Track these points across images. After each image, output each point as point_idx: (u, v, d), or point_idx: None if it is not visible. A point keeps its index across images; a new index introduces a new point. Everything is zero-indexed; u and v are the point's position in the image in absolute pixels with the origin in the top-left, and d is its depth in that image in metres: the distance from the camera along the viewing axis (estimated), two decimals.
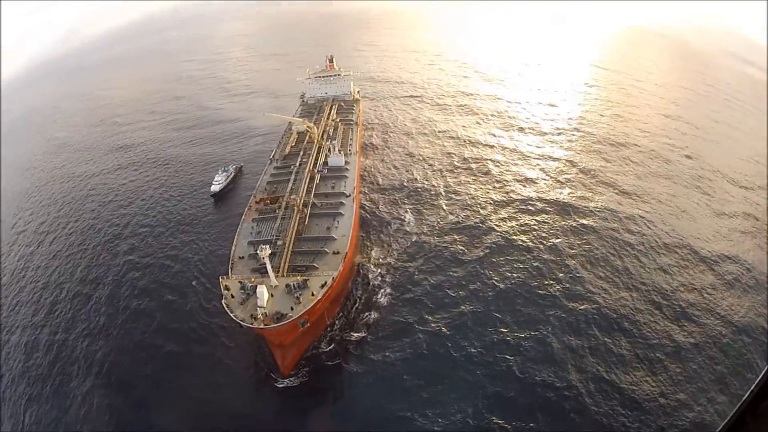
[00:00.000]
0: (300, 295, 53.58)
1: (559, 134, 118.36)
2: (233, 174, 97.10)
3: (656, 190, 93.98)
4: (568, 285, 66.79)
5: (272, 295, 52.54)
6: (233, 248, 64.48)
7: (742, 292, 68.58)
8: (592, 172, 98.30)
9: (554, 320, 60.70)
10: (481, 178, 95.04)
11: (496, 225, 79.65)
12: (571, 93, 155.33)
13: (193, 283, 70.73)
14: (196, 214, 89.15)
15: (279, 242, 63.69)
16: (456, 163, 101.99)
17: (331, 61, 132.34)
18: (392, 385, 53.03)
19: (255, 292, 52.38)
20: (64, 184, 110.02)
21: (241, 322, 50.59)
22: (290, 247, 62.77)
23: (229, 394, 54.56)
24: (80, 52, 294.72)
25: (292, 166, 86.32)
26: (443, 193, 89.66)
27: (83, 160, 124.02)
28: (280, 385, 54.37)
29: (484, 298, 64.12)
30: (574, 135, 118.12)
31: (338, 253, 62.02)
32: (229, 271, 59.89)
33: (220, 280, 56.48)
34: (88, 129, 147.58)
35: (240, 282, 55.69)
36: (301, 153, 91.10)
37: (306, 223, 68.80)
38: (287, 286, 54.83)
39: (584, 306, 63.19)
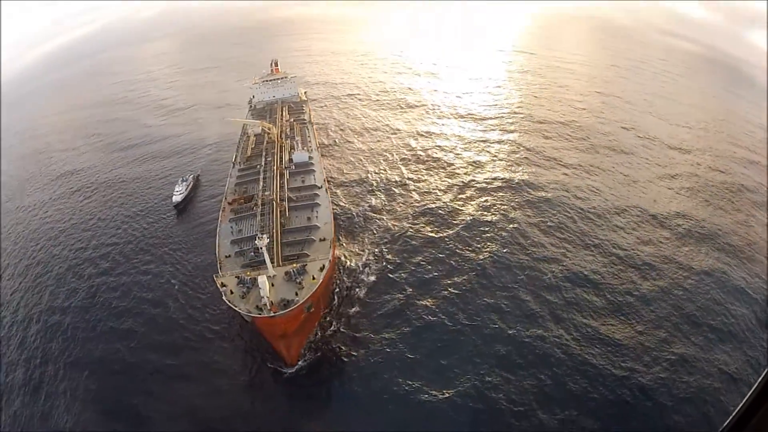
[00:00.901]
0: (302, 280, 54.61)
1: (501, 119, 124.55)
2: (192, 183, 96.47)
3: (600, 161, 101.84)
4: (534, 249, 71.87)
5: (272, 285, 53.12)
6: (217, 249, 64.90)
7: (697, 242, 76.08)
8: (538, 151, 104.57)
9: (527, 281, 65.55)
10: (435, 167, 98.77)
11: (459, 207, 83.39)
12: (506, 80, 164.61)
13: (174, 292, 69.37)
14: (162, 225, 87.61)
15: (265, 235, 64.08)
16: (409, 154, 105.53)
17: (275, 65, 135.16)
18: (397, 361, 54.81)
19: (254, 284, 52.77)
20: (13, 216, 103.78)
21: (248, 314, 50.76)
22: (278, 239, 64.00)
23: (235, 396, 54.12)
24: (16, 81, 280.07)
25: (258, 166, 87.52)
26: (404, 183, 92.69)
27: (29, 190, 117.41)
28: (289, 372, 54.66)
29: (462, 271, 67.58)
30: (514, 118, 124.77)
31: (324, 239, 63.75)
32: (219, 270, 60.02)
33: (215, 279, 56.44)
34: (24, 160, 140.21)
35: (237, 277, 55.76)
36: (264, 153, 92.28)
37: (287, 215, 70.27)
38: (286, 273, 55.62)
39: (552, 266, 68.50)
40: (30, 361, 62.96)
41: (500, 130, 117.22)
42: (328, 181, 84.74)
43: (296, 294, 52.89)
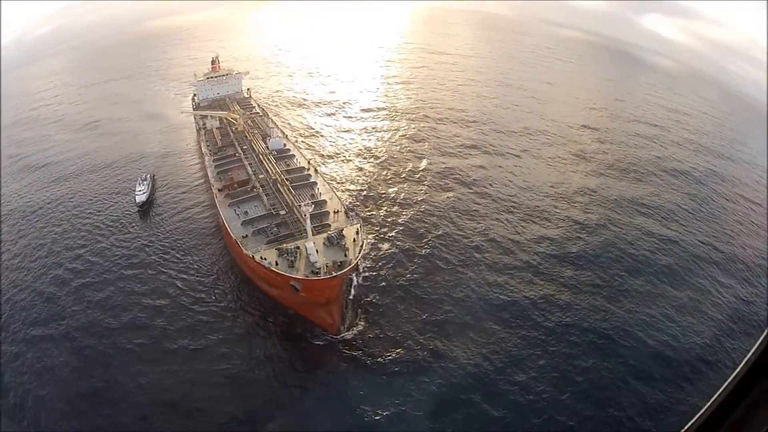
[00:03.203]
0: (344, 243, 56.47)
1: (407, 114, 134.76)
2: (151, 182, 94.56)
3: (515, 144, 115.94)
4: (461, 223, 79.14)
5: (317, 251, 54.11)
6: (230, 232, 62.79)
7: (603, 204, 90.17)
8: (454, 138, 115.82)
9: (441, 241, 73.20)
10: (354, 159, 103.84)
11: (393, 194, 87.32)
12: (399, 78, 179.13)
13: (171, 281, 66.59)
14: (133, 223, 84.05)
15: (282, 212, 65.83)
16: (333, 149, 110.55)
17: (213, 62, 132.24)
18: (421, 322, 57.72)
19: (298, 253, 54.26)
20: None
21: (305, 278, 51.00)
22: (297, 213, 64.54)
23: (279, 366, 53.80)
24: None
25: (236, 154, 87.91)
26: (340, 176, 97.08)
27: None
28: (334, 338, 54.91)
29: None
30: (418, 113, 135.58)
31: (338, 211, 65.65)
32: (242, 249, 58.08)
33: (253, 256, 55.13)
34: None
35: (277, 249, 56.17)
36: (236, 143, 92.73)
37: (293, 193, 70.90)
38: (328, 239, 57.20)
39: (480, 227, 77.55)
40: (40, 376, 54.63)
41: (411, 123, 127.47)
42: (319, 162, 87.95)
43: (345, 255, 54.62)
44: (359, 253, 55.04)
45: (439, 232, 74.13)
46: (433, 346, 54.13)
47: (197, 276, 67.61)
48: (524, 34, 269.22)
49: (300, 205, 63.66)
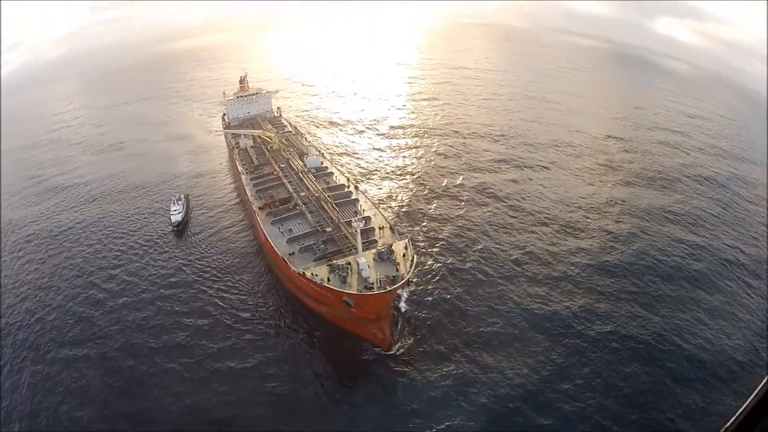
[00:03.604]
0: (394, 258, 57.25)
1: (436, 130, 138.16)
2: (186, 202, 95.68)
3: (543, 156, 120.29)
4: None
5: (368, 266, 54.78)
6: (276, 249, 62.87)
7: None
8: (484, 153, 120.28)
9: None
10: (389, 177, 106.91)
11: (431, 210, 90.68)
12: (424, 95, 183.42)
13: (213, 300, 67.45)
14: (170, 242, 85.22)
15: (328, 229, 66.62)
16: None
17: (242, 81, 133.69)
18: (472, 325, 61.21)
19: (349, 269, 55.18)
20: None
21: (359, 294, 51.57)
22: (345, 229, 65.54)
23: (327, 383, 54.68)
24: None
25: (274, 173, 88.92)
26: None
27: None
28: (386, 352, 55.95)
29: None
30: (447, 129, 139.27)
31: (383, 227, 66.21)
32: (290, 266, 58.34)
33: (303, 272, 55.54)
34: None
35: (329, 265, 56.79)
36: (272, 161, 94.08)
37: (337, 210, 71.57)
38: (378, 254, 57.87)
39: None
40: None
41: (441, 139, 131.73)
42: (357, 180, 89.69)
43: (396, 270, 55.45)
44: (411, 267, 55.53)
45: (479, 247, 77.12)
46: (479, 358, 55.77)
47: (239, 295, 68.54)
48: (540, 45, 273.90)
49: (349, 221, 65.27)
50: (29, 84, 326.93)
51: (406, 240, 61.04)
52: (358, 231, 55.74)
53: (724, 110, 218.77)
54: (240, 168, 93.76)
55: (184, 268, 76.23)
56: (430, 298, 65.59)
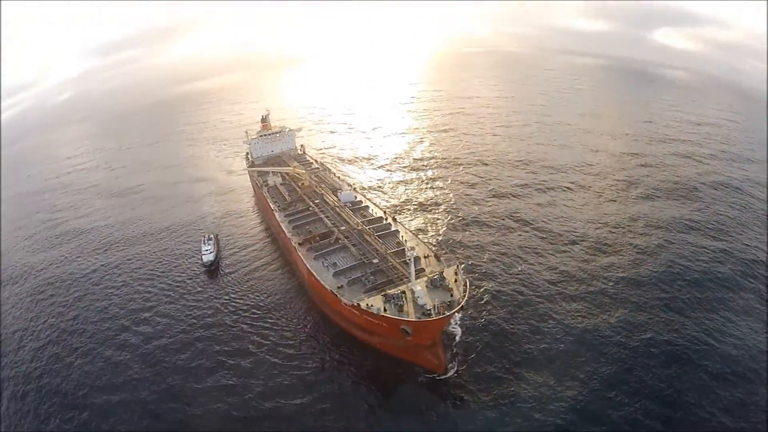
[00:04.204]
0: (447, 284, 58.46)
1: (457, 160, 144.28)
2: (216, 242, 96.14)
3: (564, 178, 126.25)
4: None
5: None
6: (323, 284, 63.84)
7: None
8: (507, 179, 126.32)
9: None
10: (419, 208, 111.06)
11: (464, 238, 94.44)
12: (441, 127, 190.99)
13: (254, 338, 68.27)
14: (202, 281, 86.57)
15: (375, 260, 67.98)
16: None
17: (264, 120, 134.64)
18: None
19: (404, 297, 56.50)
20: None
21: (418, 319, 53.03)
22: (392, 260, 67.12)
23: (385, 416, 55.49)
24: None
25: (309, 208, 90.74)
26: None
27: (33, 249, 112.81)
28: (441, 377, 57.69)
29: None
30: (468, 159, 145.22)
31: (428, 256, 67.64)
32: (341, 299, 59.67)
33: (358, 304, 56.95)
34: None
35: (383, 295, 58.04)
36: (305, 197, 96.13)
37: (381, 241, 73.62)
38: (430, 281, 59.10)
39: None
40: None
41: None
42: (392, 212, 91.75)
43: (451, 295, 56.78)
44: (465, 291, 56.49)
45: (515, 270, 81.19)
46: (529, 376, 57.95)
47: (283, 331, 69.26)
48: (543, 69, 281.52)
49: (397, 251, 68.57)
50: (36, 127, 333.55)
51: (455, 266, 62.43)
52: (412, 260, 56.97)
53: (728, 113, 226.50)
54: (272, 205, 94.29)
55: (221, 307, 76.73)
56: (476, 322, 68.05)
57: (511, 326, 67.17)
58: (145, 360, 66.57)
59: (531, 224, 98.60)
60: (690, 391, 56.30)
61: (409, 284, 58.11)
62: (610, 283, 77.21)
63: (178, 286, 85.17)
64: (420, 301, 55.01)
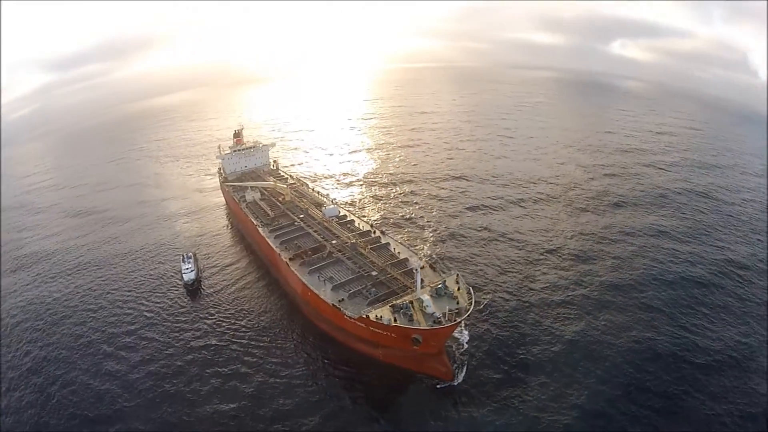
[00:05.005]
0: (452, 292, 59.52)
1: (429, 177, 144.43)
2: (195, 260, 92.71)
3: (537, 192, 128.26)
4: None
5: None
6: (323, 299, 63.65)
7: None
8: (479, 194, 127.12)
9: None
10: (398, 224, 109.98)
11: (443, 251, 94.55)
12: (407, 143, 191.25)
13: (245, 358, 66.25)
14: (184, 303, 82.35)
15: (374, 273, 68.19)
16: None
17: (237, 135, 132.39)
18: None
19: (412, 307, 56.96)
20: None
21: (429, 328, 53.52)
22: (392, 271, 67.53)
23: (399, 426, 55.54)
24: None
25: (295, 223, 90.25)
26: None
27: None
28: (450, 384, 58.21)
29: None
30: (438, 175, 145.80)
31: (423, 267, 67.29)
32: (344, 313, 59.44)
33: (367, 316, 56.77)
34: None
35: (391, 306, 58.26)
36: (289, 212, 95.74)
37: (376, 254, 73.74)
38: (435, 290, 59.84)
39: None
40: None
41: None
42: (380, 225, 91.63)
43: (457, 303, 57.58)
44: (471, 298, 57.34)
45: (501, 280, 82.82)
46: (528, 379, 59.69)
47: (280, 350, 67.98)
48: (500, 83, 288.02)
49: (397, 262, 69.29)
50: None
51: (455, 275, 63.25)
52: (419, 270, 58.58)
53: (688, 121, 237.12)
54: (254, 221, 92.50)
55: (208, 328, 73.55)
56: (471, 331, 68.77)
57: (505, 333, 68.57)
58: (132, 389, 62.87)
59: (508, 235, 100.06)
60: (676, 383, 59.82)
61: (416, 294, 58.81)
62: (593, 288, 79.85)
63: (159, 308, 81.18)
64: (429, 310, 55.85)
